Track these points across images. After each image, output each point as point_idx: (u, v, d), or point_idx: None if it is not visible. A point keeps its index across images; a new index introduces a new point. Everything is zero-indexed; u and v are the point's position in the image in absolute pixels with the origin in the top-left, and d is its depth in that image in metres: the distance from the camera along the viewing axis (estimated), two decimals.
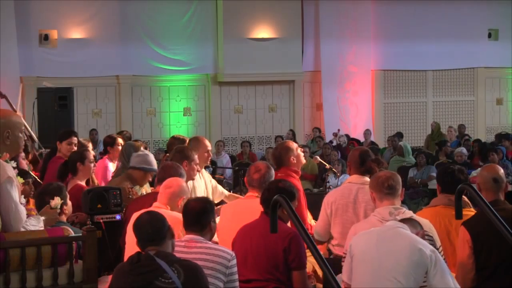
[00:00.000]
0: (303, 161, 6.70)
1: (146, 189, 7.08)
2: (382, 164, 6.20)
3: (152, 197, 5.72)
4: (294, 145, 6.62)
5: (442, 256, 4.93)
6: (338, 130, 17.15)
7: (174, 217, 4.94)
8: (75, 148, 7.80)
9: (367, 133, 17.21)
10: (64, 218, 5.51)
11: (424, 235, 4.68)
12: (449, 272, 4.46)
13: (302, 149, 6.88)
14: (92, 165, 6.99)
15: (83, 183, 6.87)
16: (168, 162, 6.31)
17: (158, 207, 5.34)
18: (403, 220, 4.68)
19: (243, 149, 15.66)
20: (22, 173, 6.27)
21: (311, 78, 18.18)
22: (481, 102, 19.66)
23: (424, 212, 5.51)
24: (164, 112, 17.07)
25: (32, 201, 5.74)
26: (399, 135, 16.51)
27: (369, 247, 4.48)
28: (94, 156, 8.08)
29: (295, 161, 6.51)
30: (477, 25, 19.01)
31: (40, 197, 5.53)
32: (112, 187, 6.42)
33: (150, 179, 7.04)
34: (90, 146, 8.12)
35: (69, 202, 5.66)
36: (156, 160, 7.31)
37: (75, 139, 7.92)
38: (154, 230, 4.04)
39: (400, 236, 4.47)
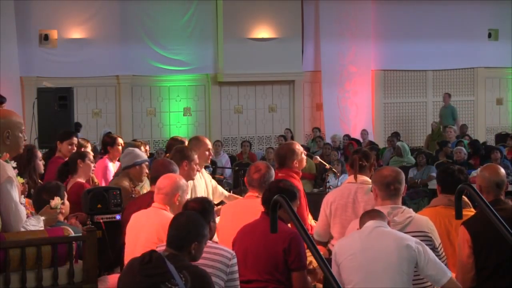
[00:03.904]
0: (304, 164, 6.71)
1: (147, 188, 7.09)
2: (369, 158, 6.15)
3: (149, 197, 5.71)
4: (299, 149, 6.60)
5: (442, 255, 4.95)
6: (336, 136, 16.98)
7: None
8: (75, 149, 7.81)
9: (364, 133, 17.20)
10: (61, 217, 5.49)
11: (409, 214, 4.75)
12: (438, 259, 4.56)
13: (305, 153, 6.88)
14: (92, 164, 7.01)
15: (82, 180, 6.88)
16: (158, 160, 6.33)
17: (157, 207, 5.33)
18: (369, 213, 4.69)
19: (243, 149, 15.66)
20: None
21: (311, 78, 18.18)
22: (481, 102, 19.66)
23: (424, 212, 5.50)
24: (164, 112, 17.07)
25: (27, 200, 5.71)
26: (397, 135, 16.51)
27: (355, 253, 4.50)
28: (94, 156, 8.11)
29: (297, 165, 6.53)
30: (477, 25, 19.00)
31: (38, 196, 5.51)
32: (112, 187, 6.43)
33: (147, 171, 7.10)
34: (89, 146, 8.14)
35: (66, 202, 5.64)
36: None
37: (75, 140, 7.95)
38: (175, 237, 4.03)
39: (384, 236, 4.51)
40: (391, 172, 5.11)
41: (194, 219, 4.14)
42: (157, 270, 3.86)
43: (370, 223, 4.62)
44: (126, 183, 6.95)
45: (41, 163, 7.23)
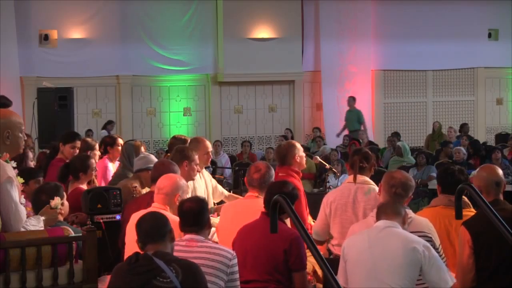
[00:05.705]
0: (305, 165, 6.72)
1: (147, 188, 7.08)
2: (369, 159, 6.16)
3: (149, 197, 5.71)
4: (299, 146, 6.65)
5: (442, 255, 4.94)
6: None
7: (173, 220, 4.92)
8: (77, 152, 7.76)
9: (362, 133, 17.17)
10: (60, 218, 5.48)
11: (408, 215, 4.72)
12: (444, 266, 4.51)
13: (306, 153, 6.90)
14: (94, 172, 6.97)
15: (84, 186, 6.85)
16: (159, 160, 6.30)
17: (157, 207, 5.32)
18: (385, 205, 4.69)
19: (243, 149, 15.65)
20: (33, 172, 6.26)
21: (311, 78, 18.18)
22: (481, 102, 19.66)
23: (424, 212, 5.51)
24: (164, 112, 17.07)
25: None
26: (397, 135, 16.50)
27: (362, 250, 4.50)
28: (100, 156, 8.09)
29: (298, 160, 6.54)
30: (477, 25, 19.01)
31: (36, 196, 5.50)
32: (112, 187, 6.42)
33: None
34: (97, 146, 8.08)
35: (66, 202, 5.63)
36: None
37: (78, 143, 7.88)
38: (153, 229, 4.05)
39: (392, 236, 4.49)
40: (401, 178, 5.13)
41: (154, 212, 4.38)
42: (147, 267, 3.88)
43: (381, 223, 4.61)
44: (136, 184, 6.91)
45: (32, 163, 7.19)
